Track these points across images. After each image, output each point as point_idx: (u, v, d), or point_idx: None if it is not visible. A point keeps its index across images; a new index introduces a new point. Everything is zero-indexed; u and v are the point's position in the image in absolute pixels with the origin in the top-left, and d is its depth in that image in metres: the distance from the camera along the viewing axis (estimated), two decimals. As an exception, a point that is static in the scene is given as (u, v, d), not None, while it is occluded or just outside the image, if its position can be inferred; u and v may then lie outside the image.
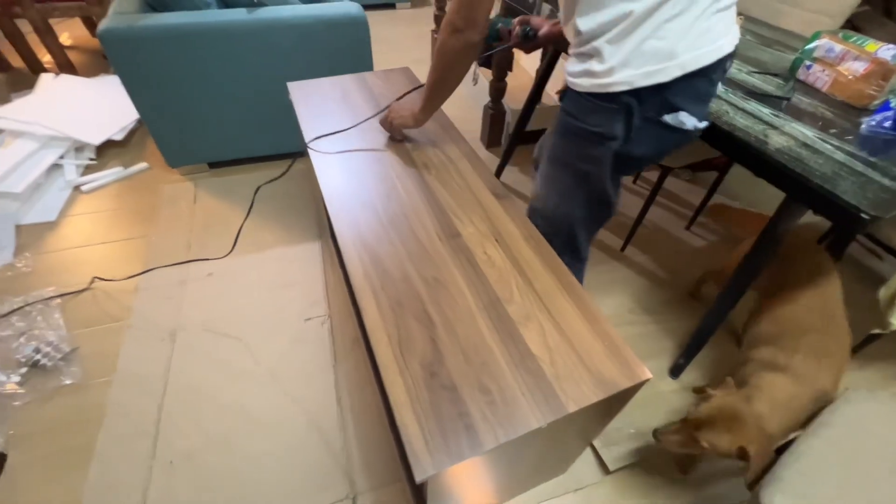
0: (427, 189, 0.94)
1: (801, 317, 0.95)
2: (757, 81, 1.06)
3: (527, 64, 2.23)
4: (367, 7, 2.08)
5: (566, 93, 0.82)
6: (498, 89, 1.85)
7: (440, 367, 0.64)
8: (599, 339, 0.68)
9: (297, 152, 1.84)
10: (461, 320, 0.70)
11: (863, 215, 0.67)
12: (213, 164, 1.83)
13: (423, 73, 1.00)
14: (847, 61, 1.01)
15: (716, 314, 1.10)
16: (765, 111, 0.97)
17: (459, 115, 2.22)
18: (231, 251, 1.50)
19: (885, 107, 0.96)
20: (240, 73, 1.53)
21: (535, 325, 0.69)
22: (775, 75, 1.09)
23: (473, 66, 1.69)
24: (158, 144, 1.65)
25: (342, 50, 1.58)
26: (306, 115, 1.13)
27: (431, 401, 0.60)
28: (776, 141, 0.87)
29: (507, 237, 0.84)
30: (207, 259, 1.47)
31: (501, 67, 1.78)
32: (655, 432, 0.91)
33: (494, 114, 1.91)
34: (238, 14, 1.44)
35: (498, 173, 1.85)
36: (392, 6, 3.29)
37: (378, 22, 2.99)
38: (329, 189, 0.93)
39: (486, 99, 1.98)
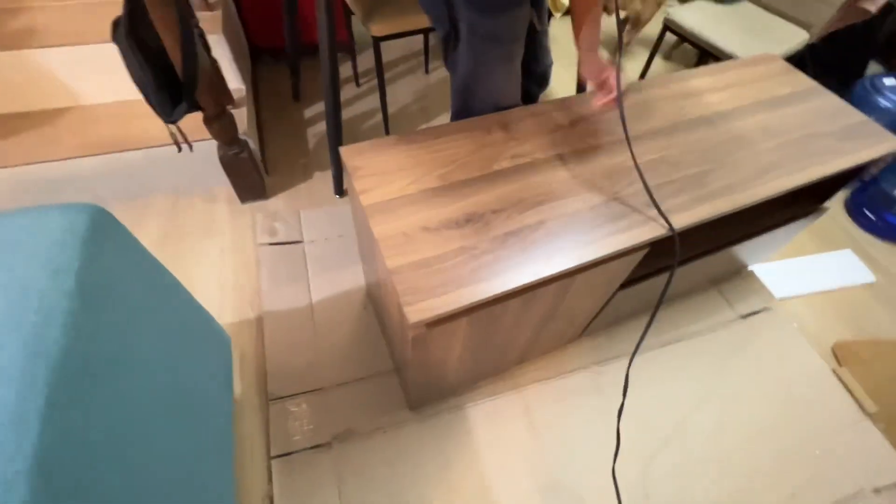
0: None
1: None
2: None
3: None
4: None
5: None
6: (227, 123, 1.18)
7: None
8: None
9: None
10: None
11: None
12: None
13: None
14: None
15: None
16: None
17: (173, 204, 1.34)
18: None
19: None
20: None
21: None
22: None
23: (172, 129, 1.05)
24: None
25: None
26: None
27: None
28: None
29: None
30: None
31: (219, 92, 1.10)
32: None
33: (238, 155, 1.26)
34: None
35: (336, 149, 1.42)
36: None
37: None
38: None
39: (207, 156, 1.25)
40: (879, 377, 1.18)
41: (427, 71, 1.90)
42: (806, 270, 1.39)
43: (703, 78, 1.01)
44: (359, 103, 1.74)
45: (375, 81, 1.82)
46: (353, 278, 1.25)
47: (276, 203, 1.41)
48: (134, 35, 0.95)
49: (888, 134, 0.93)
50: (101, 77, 1.30)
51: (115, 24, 0.96)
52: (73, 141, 1.26)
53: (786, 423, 1.09)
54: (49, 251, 0.55)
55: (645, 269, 0.93)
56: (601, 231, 0.71)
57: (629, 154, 0.81)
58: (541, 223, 0.71)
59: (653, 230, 0.72)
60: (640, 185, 0.77)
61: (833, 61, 1.76)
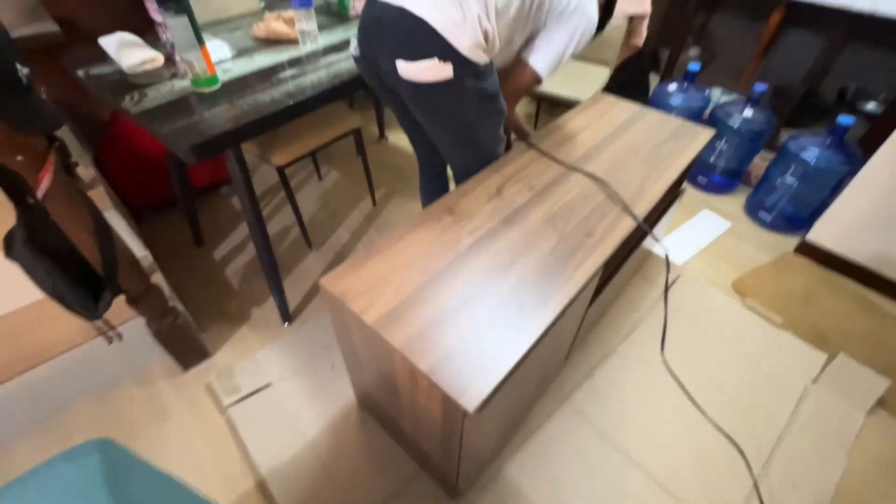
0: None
1: None
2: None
3: None
4: None
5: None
6: (156, 296, 1.09)
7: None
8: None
9: None
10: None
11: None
12: None
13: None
14: None
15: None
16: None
17: (101, 405, 1.16)
18: None
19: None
20: None
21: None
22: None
23: (98, 324, 1.02)
24: None
25: None
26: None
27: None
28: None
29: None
30: None
31: (139, 269, 1.02)
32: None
33: (174, 323, 1.16)
34: None
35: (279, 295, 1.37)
36: None
37: None
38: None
39: (130, 337, 1.13)
40: (770, 295, 1.50)
41: (320, 177, 1.98)
42: (686, 237, 1.73)
43: (570, 123, 1.27)
44: (269, 225, 1.73)
45: (274, 203, 1.84)
46: (339, 397, 1.21)
47: (224, 356, 1.31)
48: (34, 242, 0.87)
49: (701, 128, 1.27)
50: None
51: (8, 240, 0.87)
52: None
53: (735, 360, 1.32)
54: (82, 509, 0.48)
55: (602, 281, 1.10)
56: (569, 268, 0.85)
57: (549, 203, 0.98)
58: (524, 280, 0.82)
59: (603, 251, 0.88)
60: (575, 222, 0.94)
61: (628, 82, 2.30)
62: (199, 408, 1.19)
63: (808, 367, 1.30)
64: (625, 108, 1.35)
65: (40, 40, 1.20)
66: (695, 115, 1.90)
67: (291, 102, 1.00)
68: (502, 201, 0.99)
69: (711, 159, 1.88)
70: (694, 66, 1.84)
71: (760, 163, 1.89)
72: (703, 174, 1.95)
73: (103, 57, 1.13)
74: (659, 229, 1.38)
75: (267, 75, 1.11)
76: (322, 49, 1.25)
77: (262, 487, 1.05)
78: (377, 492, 1.04)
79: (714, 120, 1.82)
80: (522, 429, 1.15)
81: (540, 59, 1.05)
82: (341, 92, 1.10)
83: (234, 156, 1.03)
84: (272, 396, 1.21)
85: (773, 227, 1.77)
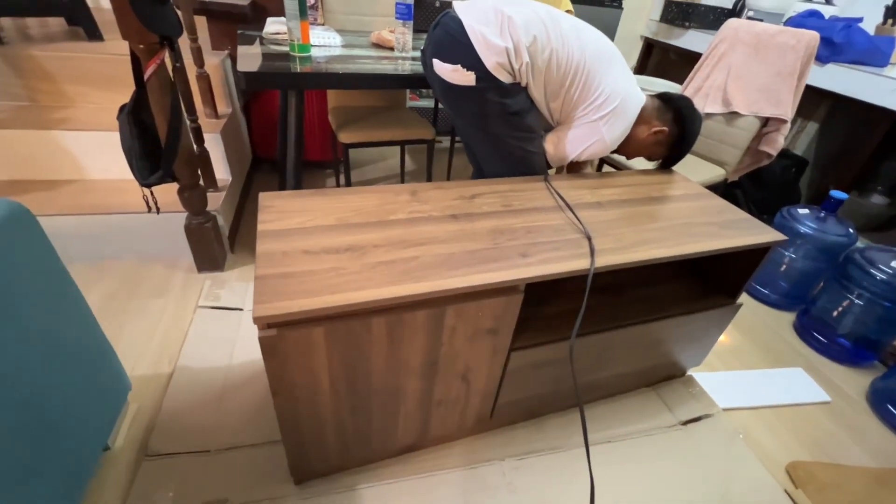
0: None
1: None
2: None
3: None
4: None
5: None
6: (197, 195, 1.34)
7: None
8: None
9: None
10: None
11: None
12: None
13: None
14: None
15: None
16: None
17: (134, 268, 1.42)
18: None
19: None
20: None
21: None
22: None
23: (146, 192, 1.21)
24: None
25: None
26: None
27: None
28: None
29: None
30: None
31: (195, 169, 1.29)
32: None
33: (202, 224, 1.39)
34: None
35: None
36: None
37: None
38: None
39: (178, 227, 1.39)
40: (843, 506, 1.02)
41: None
42: (754, 383, 1.32)
43: (604, 178, 1.16)
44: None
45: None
46: (279, 346, 1.24)
47: (231, 275, 1.49)
48: (134, 115, 1.19)
49: (770, 228, 1.01)
50: (110, 157, 1.54)
51: (122, 108, 1.20)
52: (58, 204, 1.42)
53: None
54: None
55: (545, 337, 0.94)
56: (473, 269, 0.76)
57: (512, 221, 0.90)
58: (415, 258, 0.77)
59: (523, 272, 0.76)
60: (520, 242, 0.84)
61: (761, 201, 1.96)
62: (185, 301, 1.37)
63: None
64: (684, 187, 1.17)
65: (231, 8, 1.67)
66: (828, 254, 1.50)
67: (340, 72, 1.17)
68: (468, 204, 0.95)
69: (834, 314, 1.44)
70: (839, 194, 1.48)
71: (908, 341, 1.37)
72: (821, 331, 1.49)
73: (261, 28, 1.51)
74: (684, 338, 1.11)
75: (349, 59, 1.33)
76: (410, 57, 1.43)
77: (169, 377, 1.13)
78: (245, 435, 1.02)
79: (848, 263, 1.41)
80: (410, 462, 1.00)
81: (549, 142, 1.15)
82: (383, 82, 1.26)
83: (294, 94, 1.24)
84: (234, 319, 1.32)
85: (904, 431, 1.23)
